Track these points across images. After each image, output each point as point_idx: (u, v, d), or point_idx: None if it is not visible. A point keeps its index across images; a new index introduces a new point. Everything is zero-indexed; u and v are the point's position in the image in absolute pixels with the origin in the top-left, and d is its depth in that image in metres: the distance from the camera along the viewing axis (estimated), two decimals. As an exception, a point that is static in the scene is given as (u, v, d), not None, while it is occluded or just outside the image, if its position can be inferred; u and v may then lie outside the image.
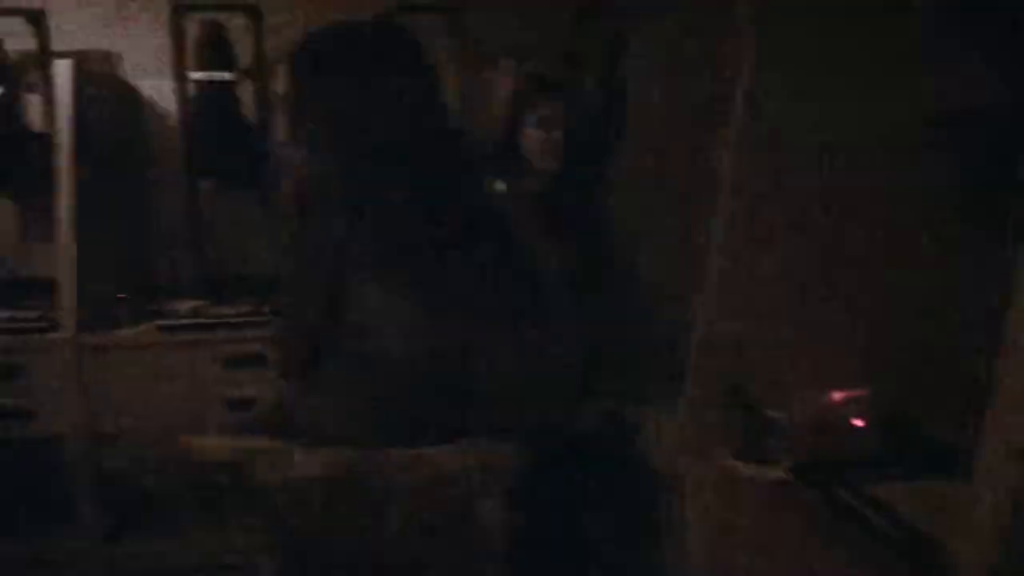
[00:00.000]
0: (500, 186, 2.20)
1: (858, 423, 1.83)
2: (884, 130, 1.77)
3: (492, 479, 1.39)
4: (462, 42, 3.44)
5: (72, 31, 3.42)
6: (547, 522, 2.19)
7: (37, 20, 3.32)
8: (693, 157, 2.25)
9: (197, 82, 3.32)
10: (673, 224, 2.36)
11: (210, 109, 3.30)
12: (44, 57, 3.29)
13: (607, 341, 2.30)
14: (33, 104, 3.32)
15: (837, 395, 1.85)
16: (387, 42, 1.41)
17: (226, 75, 3.30)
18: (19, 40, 3.28)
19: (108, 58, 3.54)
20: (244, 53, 3.38)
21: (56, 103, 3.16)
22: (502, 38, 3.47)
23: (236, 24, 3.38)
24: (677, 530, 1.94)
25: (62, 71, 3.13)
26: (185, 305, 3.29)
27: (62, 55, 3.23)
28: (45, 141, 3.19)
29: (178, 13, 3.36)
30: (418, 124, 1.38)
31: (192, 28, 3.36)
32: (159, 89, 3.51)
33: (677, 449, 1.95)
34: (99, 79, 3.35)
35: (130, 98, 3.53)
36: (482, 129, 3.27)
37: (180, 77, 3.35)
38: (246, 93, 3.41)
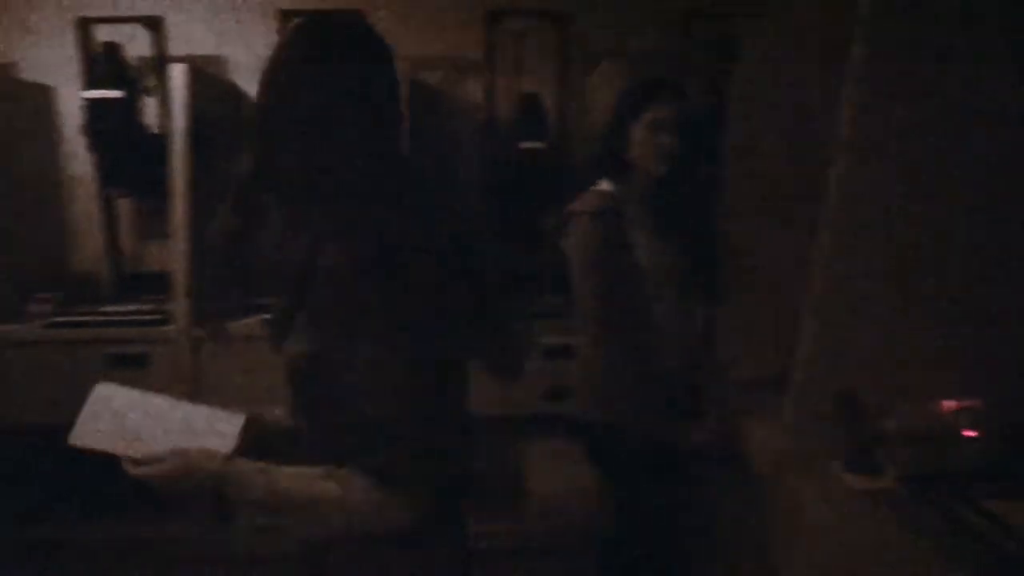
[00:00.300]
0: (606, 187, 2.22)
1: (971, 434, 1.79)
2: (994, 132, 1.73)
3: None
4: (566, 45, 3.46)
5: (186, 37, 3.58)
6: (651, 535, 2.21)
7: (155, 26, 3.48)
8: (801, 163, 2.23)
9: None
10: (779, 232, 2.34)
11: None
12: (161, 61, 3.45)
13: (711, 349, 2.31)
14: (150, 106, 3.49)
15: (948, 405, 1.81)
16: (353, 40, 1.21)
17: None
18: (138, 46, 3.46)
19: (218, 62, 3.69)
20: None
21: (171, 105, 3.32)
22: (607, 40, 3.50)
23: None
24: (785, 543, 1.94)
25: (177, 75, 3.28)
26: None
27: (178, 60, 3.38)
28: (161, 142, 3.35)
29: (284, 18, 3.47)
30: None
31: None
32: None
33: (784, 461, 1.93)
34: (210, 82, 3.49)
35: (237, 100, 3.67)
36: (586, 131, 3.32)
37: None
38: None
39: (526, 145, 3.33)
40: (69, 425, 1.31)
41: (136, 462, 1.24)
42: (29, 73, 3.72)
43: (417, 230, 1.19)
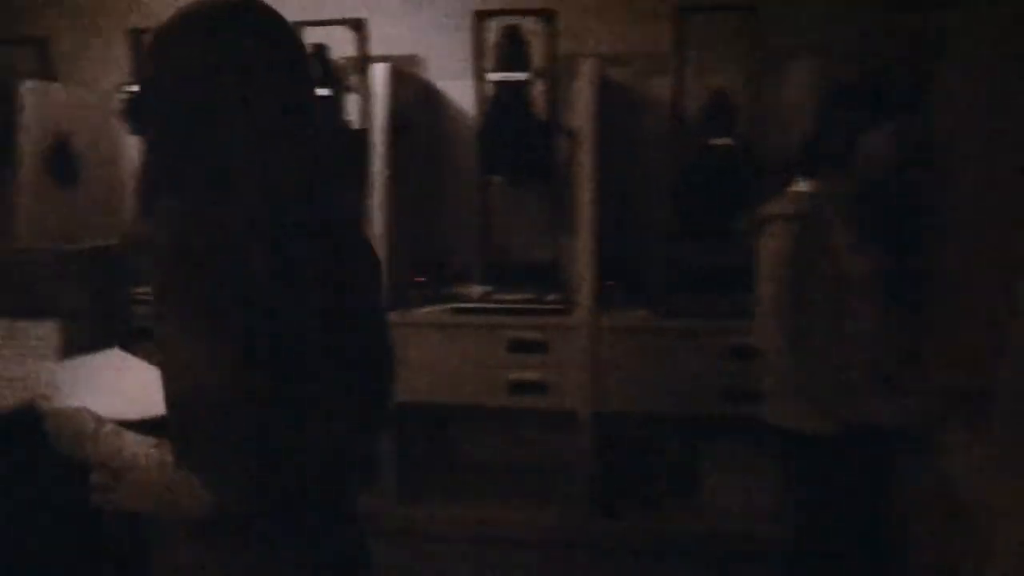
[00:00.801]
0: (803, 188, 2.18)
1: None
2: None
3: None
4: (757, 39, 3.40)
5: (386, 37, 3.77)
6: (847, 540, 2.16)
7: (358, 28, 3.69)
8: (1005, 166, 2.11)
9: (494, 82, 3.54)
10: (987, 235, 2.23)
11: (504, 107, 3.51)
12: (363, 61, 3.65)
13: (914, 356, 2.22)
14: (352, 103, 3.71)
15: None
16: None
17: (521, 75, 3.49)
18: (342, 47, 3.67)
19: (415, 62, 3.87)
20: (536, 55, 3.57)
21: (373, 103, 3.52)
22: (800, 34, 3.41)
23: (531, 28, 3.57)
24: (986, 558, 1.85)
25: (379, 74, 3.48)
26: (475, 290, 3.54)
27: (379, 59, 3.58)
28: (363, 137, 3.56)
29: (479, 18, 3.60)
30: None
31: (491, 32, 3.59)
32: (457, 89, 3.80)
33: (988, 471, 1.84)
34: (408, 81, 3.67)
35: (432, 98, 3.84)
36: (778, 128, 3.26)
37: (479, 77, 3.59)
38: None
39: (715, 142, 3.31)
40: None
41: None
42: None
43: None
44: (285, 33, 1.22)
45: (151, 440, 1.22)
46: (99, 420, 1.24)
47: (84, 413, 1.25)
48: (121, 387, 1.39)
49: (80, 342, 2.19)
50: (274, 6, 1.22)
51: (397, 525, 3.34)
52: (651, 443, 3.63)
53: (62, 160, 3.80)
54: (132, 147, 3.98)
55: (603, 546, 3.27)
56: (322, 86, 3.58)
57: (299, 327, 1.20)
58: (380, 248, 3.35)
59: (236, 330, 1.11)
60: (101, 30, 4.15)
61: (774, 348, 2.13)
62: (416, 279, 3.56)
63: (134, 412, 1.27)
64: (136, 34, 3.80)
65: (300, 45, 1.26)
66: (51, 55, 4.11)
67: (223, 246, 1.12)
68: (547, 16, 3.55)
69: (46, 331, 2.18)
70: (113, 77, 3.99)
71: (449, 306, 3.43)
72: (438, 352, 3.36)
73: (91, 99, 4.01)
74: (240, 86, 1.15)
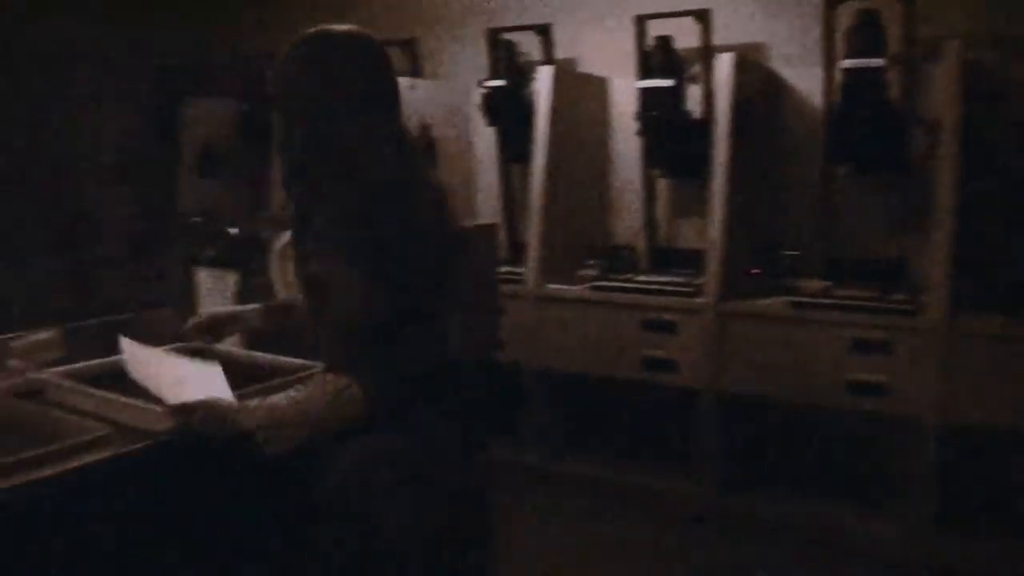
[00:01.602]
0: None
1: None
2: None
3: None
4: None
5: (730, 26, 3.76)
6: None
7: (703, 18, 3.71)
8: None
9: (845, 69, 3.39)
10: None
11: (856, 95, 3.35)
12: (707, 51, 3.67)
13: None
14: (693, 93, 3.74)
15: None
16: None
17: (877, 62, 3.32)
18: (686, 38, 3.72)
19: (759, 50, 3.82)
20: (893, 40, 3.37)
21: (716, 93, 3.53)
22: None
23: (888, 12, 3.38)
24: None
25: (724, 63, 3.48)
26: (813, 284, 3.43)
27: (722, 49, 3.58)
28: (703, 127, 3.59)
29: (831, 3, 3.46)
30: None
31: (844, 17, 3.44)
32: (802, 77, 3.70)
33: None
34: (751, 69, 3.63)
35: (775, 86, 3.77)
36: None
37: (828, 65, 3.47)
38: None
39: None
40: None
41: (173, 412, 1.61)
42: (586, 66, 4.23)
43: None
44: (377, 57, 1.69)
45: (284, 392, 1.62)
46: (233, 401, 1.63)
47: (221, 402, 1.62)
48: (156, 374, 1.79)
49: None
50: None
51: (720, 513, 3.37)
52: (1001, 458, 3.32)
53: (425, 148, 4.22)
54: (485, 136, 4.32)
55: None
56: (666, 77, 3.66)
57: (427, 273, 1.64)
58: (717, 236, 3.38)
59: (388, 270, 1.55)
60: (463, 31, 4.54)
61: None
62: (752, 270, 3.53)
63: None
64: (494, 33, 4.12)
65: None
66: (417, 54, 4.56)
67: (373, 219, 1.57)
68: (907, -2, 3.34)
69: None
70: (471, 73, 4.36)
71: (787, 299, 3.36)
72: (773, 346, 3.31)
73: (451, 93, 4.41)
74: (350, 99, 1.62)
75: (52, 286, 4.79)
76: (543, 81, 3.84)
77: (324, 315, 1.66)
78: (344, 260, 1.56)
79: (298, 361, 2.00)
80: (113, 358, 2.11)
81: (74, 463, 1.55)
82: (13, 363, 2.06)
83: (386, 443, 1.63)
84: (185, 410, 1.62)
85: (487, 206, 4.45)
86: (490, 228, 2.90)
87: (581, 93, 4.02)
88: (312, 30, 1.65)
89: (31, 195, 4.78)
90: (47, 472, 1.51)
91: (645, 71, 3.74)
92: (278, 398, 1.62)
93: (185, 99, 4.82)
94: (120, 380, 1.91)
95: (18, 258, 4.63)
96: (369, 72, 1.66)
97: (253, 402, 1.63)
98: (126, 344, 1.91)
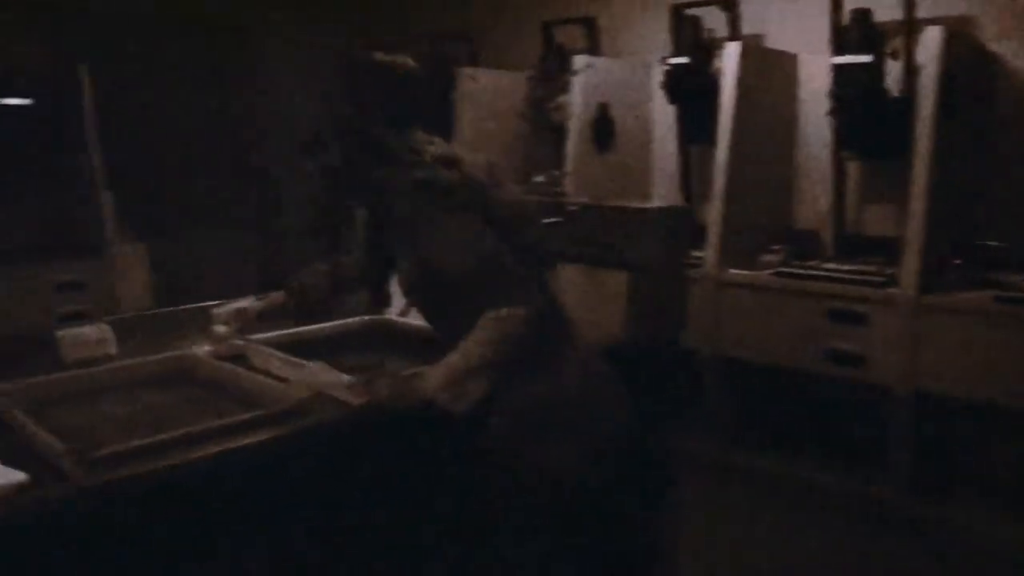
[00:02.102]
0: None
1: None
2: None
3: None
4: None
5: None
6: None
7: (908, -11, 3.47)
8: None
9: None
10: None
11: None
12: (911, 25, 3.43)
13: None
14: (891, 70, 3.51)
15: None
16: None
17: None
18: (884, 10, 3.49)
19: (969, 23, 3.54)
20: None
21: (920, 69, 3.30)
22: None
23: None
24: None
25: (932, 38, 3.24)
26: (1018, 279, 3.17)
27: (927, 22, 3.34)
28: (904, 106, 3.36)
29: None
30: None
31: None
32: (1016, 54, 3.41)
33: None
34: (961, 44, 3.37)
35: (986, 63, 3.49)
36: None
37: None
38: None
39: None
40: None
41: (361, 388, 1.74)
42: (774, 42, 4.05)
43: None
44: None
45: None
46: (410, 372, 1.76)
47: (402, 373, 1.76)
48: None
49: (643, 291, 2.41)
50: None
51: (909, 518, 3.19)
52: None
53: (602, 127, 4.19)
54: (665, 116, 4.24)
55: None
56: (863, 52, 3.45)
57: None
58: (917, 224, 3.18)
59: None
60: (644, 7, 4.46)
61: None
62: (952, 260, 3.29)
63: None
64: (678, 9, 4.01)
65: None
66: (597, 31, 4.52)
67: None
68: None
69: (617, 280, 2.43)
70: (653, 51, 4.27)
71: (990, 293, 3.11)
72: (975, 343, 3.08)
73: (630, 71, 4.34)
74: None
75: (245, 257, 5.11)
76: (729, 58, 3.71)
77: (516, 242, 1.75)
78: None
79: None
80: (305, 328, 2.26)
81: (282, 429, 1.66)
82: (219, 329, 2.19)
83: (547, 391, 1.70)
84: (372, 385, 1.74)
85: (664, 187, 4.38)
86: (678, 211, 2.82)
87: (768, 70, 3.86)
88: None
89: (228, 169, 5.08)
90: (262, 436, 1.62)
91: (840, 46, 3.54)
92: (451, 356, 1.68)
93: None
94: (314, 350, 2.05)
95: (217, 230, 4.95)
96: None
97: (431, 368, 1.71)
98: None
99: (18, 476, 1.35)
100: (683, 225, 2.53)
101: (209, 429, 1.60)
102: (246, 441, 1.59)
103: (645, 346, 1.92)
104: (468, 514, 1.84)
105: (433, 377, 1.69)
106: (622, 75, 4.31)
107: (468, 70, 4.51)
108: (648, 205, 2.48)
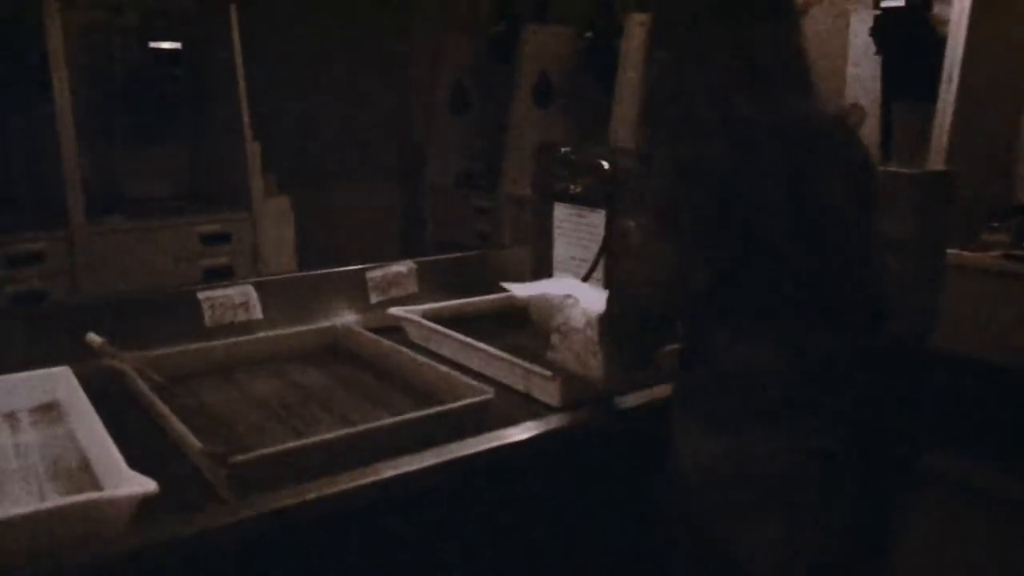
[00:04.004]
0: None
1: None
2: None
3: None
4: None
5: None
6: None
7: None
8: None
9: None
10: None
11: None
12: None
13: None
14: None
15: None
16: None
17: None
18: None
19: None
20: None
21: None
22: None
23: None
24: None
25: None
26: None
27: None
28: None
29: None
30: None
31: None
32: None
33: None
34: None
35: None
36: None
37: None
38: None
39: None
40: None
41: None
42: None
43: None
44: None
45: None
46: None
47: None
48: None
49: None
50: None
51: None
52: None
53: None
54: (864, 67, 3.72)
55: None
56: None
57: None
58: None
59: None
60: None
61: None
62: None
63: None
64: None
65: None
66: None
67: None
68: None
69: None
70: None
71: None
72: None
73: (823, 17, 3.84)
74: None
75: (390, 214, 4.91)
76: (960, 1, 3.15)
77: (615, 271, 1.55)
78: (660, 227, 1.28)
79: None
80: (465, 300, 2.05)
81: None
82: (375, 298, 2.04)
83: (733, 452, 1.27)
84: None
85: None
86: (937, 177, 2.25)
87: (1009, 17, 3.27)
88: None
89: (374, 123, 4.86)
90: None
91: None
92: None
93: (525, 26, 4.63)
94: (472, 324, 1.85)
95: (363, 185, 4.76)
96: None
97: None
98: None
99: (147, 485, 1.02)
100: (942, 195, 2.02)
101: (380, 428, 1.30)
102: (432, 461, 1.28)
103: (889, 346, 1.47)
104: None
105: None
106: (814, 22, 3.79)
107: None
108: (899, 169, 2.00)
